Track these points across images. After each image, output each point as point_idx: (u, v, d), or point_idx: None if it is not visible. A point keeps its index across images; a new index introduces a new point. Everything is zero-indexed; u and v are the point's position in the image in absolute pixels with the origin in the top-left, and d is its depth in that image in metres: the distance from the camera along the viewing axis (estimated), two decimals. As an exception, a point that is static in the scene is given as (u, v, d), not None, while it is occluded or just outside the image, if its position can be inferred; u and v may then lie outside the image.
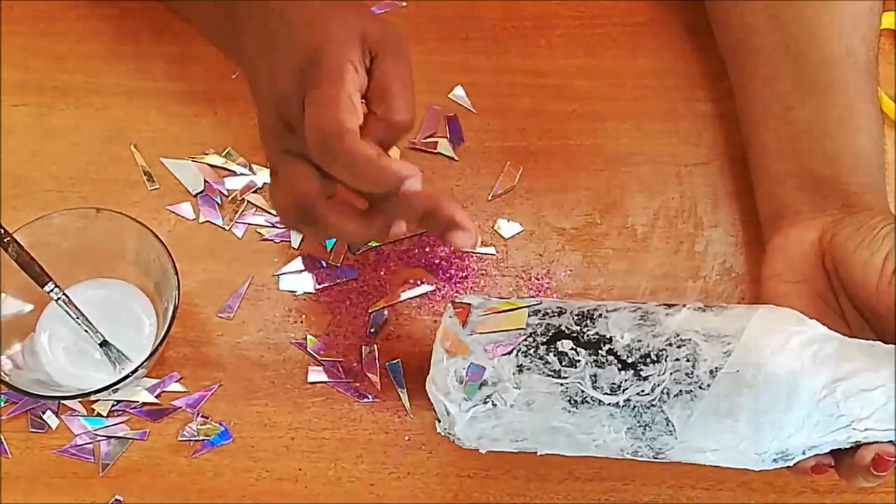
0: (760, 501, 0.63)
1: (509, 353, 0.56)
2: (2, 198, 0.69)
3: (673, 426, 0.53)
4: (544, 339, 0.56)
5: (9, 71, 0.73)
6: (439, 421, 0.57)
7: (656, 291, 0.68)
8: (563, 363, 0.55)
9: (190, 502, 0.62)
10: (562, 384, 0.55)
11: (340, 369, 0.65)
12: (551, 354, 0.55)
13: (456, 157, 0.71)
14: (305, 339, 0.66)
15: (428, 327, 0.66)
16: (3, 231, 0.60)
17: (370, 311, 0.67)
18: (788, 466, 0.55)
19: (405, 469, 0.63)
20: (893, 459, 0.52)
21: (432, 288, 0.67)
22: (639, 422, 0.54)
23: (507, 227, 0.69)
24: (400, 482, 0.63)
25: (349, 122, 0.52)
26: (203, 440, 0.63)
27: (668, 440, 0.54)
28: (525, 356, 0.55)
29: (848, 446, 0.54)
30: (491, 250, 0.69)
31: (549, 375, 0.55)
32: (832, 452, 0.55)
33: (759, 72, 0.67)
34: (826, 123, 0.63)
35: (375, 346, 0.66)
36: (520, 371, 0.55)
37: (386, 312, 0.67)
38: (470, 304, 0.58)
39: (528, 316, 0.57)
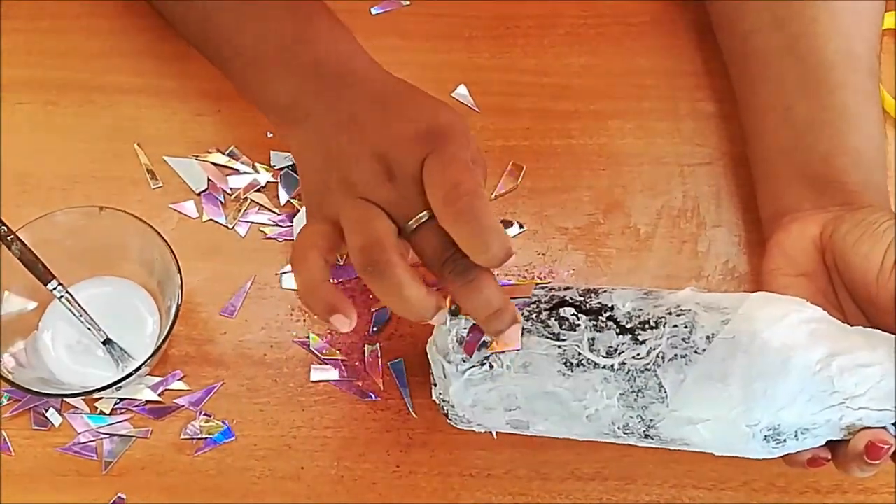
0: (763, 501, 0.63)
1: None
2: (5, 196, 0.69)
3: (665, 392, 0.53)
4: (548, 307, 0.56)
5: (12, 68, 0.73)
6: (435, 385, 0.58)
7: (659, 291, 0.68)
8: (563, 327, 0.56)
9: (192, 501, 0.62)
10: (559, 346, 0.55)
11: (343, 368, 0.65)
12: (552, 319, 0.56)
13: (459, 156, 0.71)
14: (308, 337, 0.66)
15: (430, 326, 0.66)
16: (6, 229, 0.60)
17: (373, 309, 0.67)
18: (783, 457, 0.55)
19: (407, 468, 0.63)
20: (887, 447, 0.52)
21: (435, 287, 0.67)
22: (632, 387, 0.54)
23: (510, 227, 0.70)
24: (402, 481, 0.63)
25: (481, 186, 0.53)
26: (206, 438, 0.63)
27: (660, 409, 0.54)
28: (527, 320, 0.56)
29: (842, 437, 0.54)
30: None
31: (547, 338, 0.55)
32: (828, 445, 0.55)
33: (759, 71, 0.67)
34: (824, 123, 0.63)
35: (378, 344, 0.66)
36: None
37: (389, 311, 0.67)
38: None
39: (535, 288, 0.57)
